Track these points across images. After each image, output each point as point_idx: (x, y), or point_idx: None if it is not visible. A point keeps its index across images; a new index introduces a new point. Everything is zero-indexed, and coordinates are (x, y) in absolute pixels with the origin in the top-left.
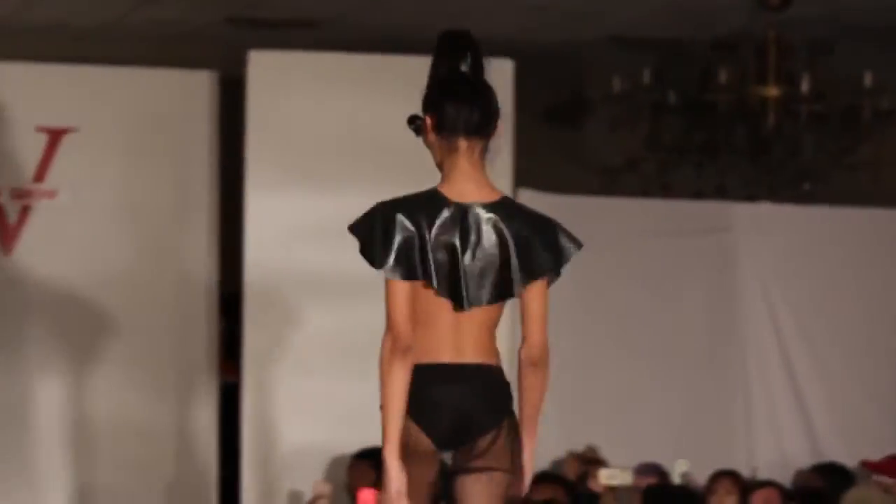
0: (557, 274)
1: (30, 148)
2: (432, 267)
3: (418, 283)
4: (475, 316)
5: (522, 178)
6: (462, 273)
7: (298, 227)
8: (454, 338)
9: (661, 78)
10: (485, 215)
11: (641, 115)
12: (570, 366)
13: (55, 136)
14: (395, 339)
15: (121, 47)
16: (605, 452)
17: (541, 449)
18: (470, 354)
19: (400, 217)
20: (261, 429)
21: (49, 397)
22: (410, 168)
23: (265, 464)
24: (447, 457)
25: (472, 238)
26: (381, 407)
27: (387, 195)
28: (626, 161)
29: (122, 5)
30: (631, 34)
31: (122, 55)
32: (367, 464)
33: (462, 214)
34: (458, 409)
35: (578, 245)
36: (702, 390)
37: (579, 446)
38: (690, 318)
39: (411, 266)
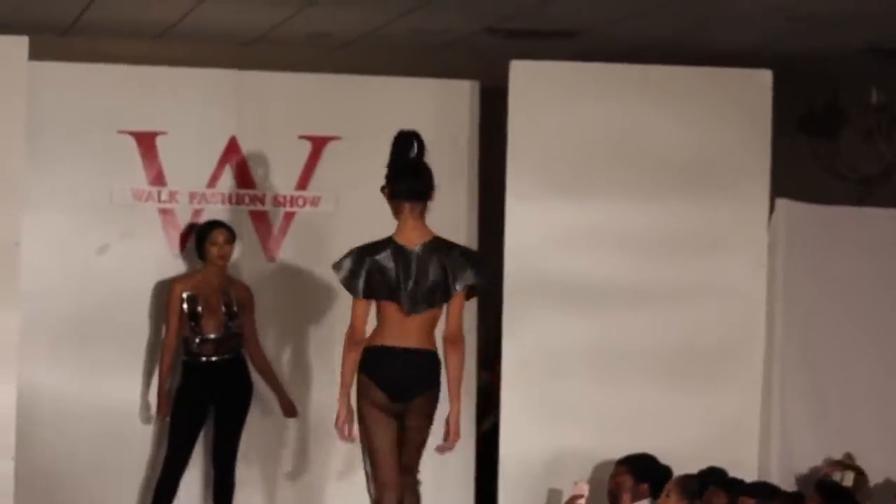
0: (475, 288)
1: (293, 156)
2: (386, 288)
3: (381, 301)
4: (417, 318)
5: (779, 187)
6: (404, 291)
7: (557, 235)
8: (403, 331)
9: None
10: (421, 252)
11: None
12: (827, 373)
13: (318, 145)
14: (352, 334)
15: (383, 57)
16: (861, 461)
17: (798, 456)
18: (414, 342)
19: (363, 257)
20: (519, 431)
21: (316, 399)
22: (668, 175)
23: (523, 466)
24: (398, 407)
25: (413, 267)
26: (341, 374)
27: (644, 203)
28: (881, 171)
29: (385, 15)
30: (889, 45)
31: (385, 64)
32: (625, 469)
33: (405, 252)
34: (403, 374)
35: (487, 269)
36: None
37: (836, 454)
38: None
39: (370, 289)
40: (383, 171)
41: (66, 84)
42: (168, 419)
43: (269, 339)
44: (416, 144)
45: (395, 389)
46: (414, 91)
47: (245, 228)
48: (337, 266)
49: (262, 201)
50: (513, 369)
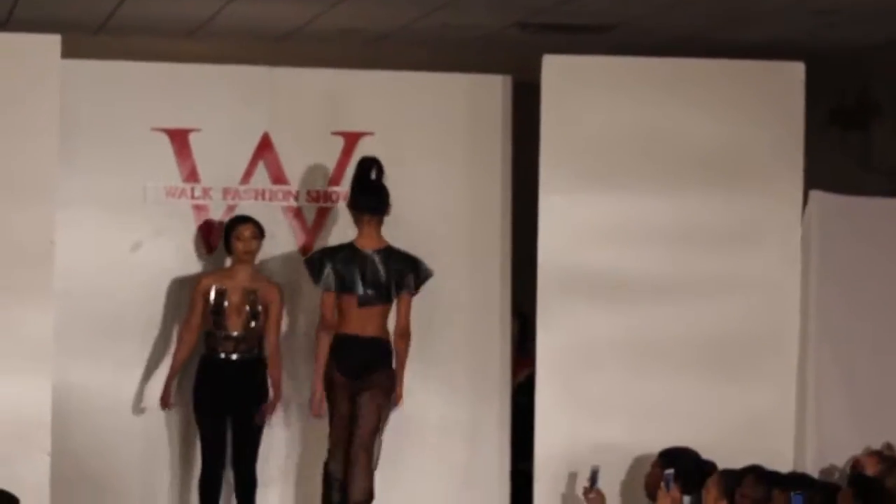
0: (416, 290)
1: (326, 152)
2: (344, 283)
3: (341, 293)
4: (372, 310)
5: (812, 179)
6: (359, 286)
7: (591, 229)
8: (360, 321)
9: None
10: (375, 256)
11: None
12: (862, 364)
13: (351, 140)
14: (323, 321)
15: (415, 52)
16: None
17: (833, 447)
18: (370, 331)
19: (327, 256)
20: (554, 424)
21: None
22: (702, 168)
23: (558, 458)
24: (354, 383)
25: (367, 267)
26: (315, 357)
27: (677, 196)
28: None
29: (417, 11)
30: None
31: (417, 60)
32: (660, 463)
33: (361, 255)
34: (359, 358)
35: (431, 274)
36: None
37: (873, 445)
38: None
39: (333, 284)
40: (416, 165)
41: (99, 82)
42: (167, 410)
43: (302, 334)
44: (375, 169)
45: (350, 369)
46: (446, 86)
47: (278, 224)
48: (308, 262)
49: (296, 197)
50: (547, 362)
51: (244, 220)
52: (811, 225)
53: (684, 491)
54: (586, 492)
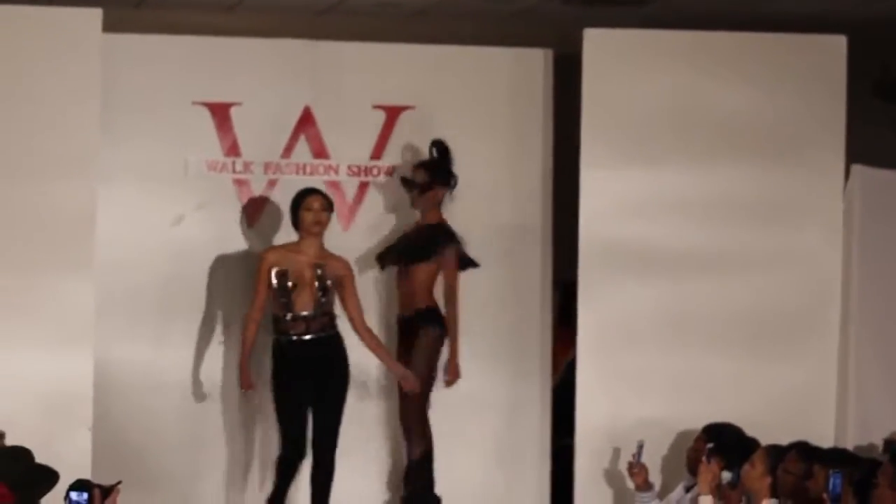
0: None
1: (368, 125)
2: None
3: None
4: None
5: (854, 153)
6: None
7: (632, 202)
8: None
9: None
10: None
11: None
12: (880, 347)
13: (392, 114)
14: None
15: (455, 26)
16: None
17: (875, 424)
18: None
19: None
20: (595, 399)
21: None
22: (743, 142)
23: (599, 433)
24: None
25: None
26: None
27: (718, 171)
28: None
29: None
30: None
31: (458, 33)
32: (704, 438)
33: None
34: None
35: None
36: None
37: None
38: None
39: None
40: (458, 139)
41: (140, 56)
42: (247, 392)
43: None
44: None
45: None
46: (487, 60)
47: None
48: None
49: (337, 171)
50: (589, 337)
51: (313, 191)
52: (853, 200)
53: (725, 466)
54: (631, 466)
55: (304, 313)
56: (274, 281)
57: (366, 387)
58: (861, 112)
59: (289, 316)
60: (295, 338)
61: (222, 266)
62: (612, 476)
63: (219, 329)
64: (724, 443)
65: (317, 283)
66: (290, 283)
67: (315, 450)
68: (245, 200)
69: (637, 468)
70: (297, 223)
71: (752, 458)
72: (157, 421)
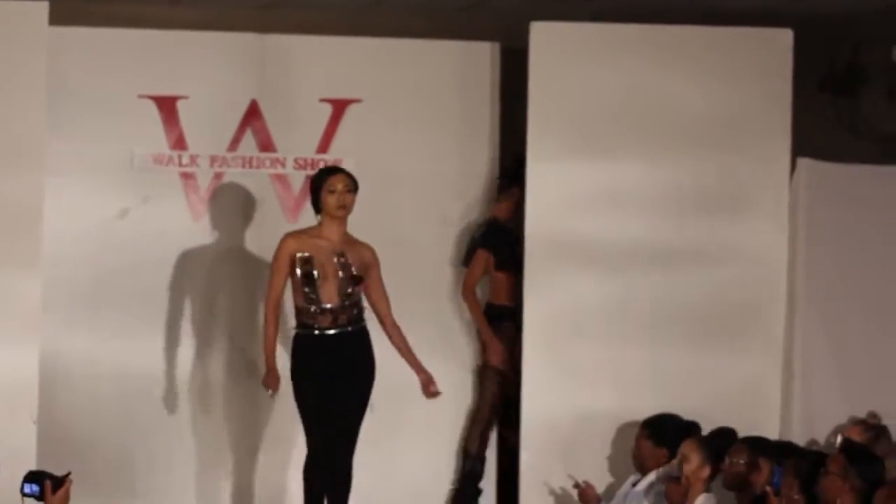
0: None
1: (314, 119)
2: None
3: None
4: None
5: (800, 147)
6: None
7: (579, 195)
8: None
9: None
10: None
11: None
12: (850, 333)
13: (339, 107)
14: None
15: (403, 19)
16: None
17: (820, 416)
18: None
19: None
20: (541, 393)
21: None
22: (689, 135)
23: (546, 428)
24: None
25: None
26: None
27: (665, 163)
28: None
29: None
30: None
31: (405, 27)
32: (646, 434)
33: None
34: None
35: None
36: None
37: (859, 413)
38: None
39: None
40: (404, 132)
41: (87, 49)
42: (273, 395)
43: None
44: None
45: None
46: (434, 53)
47: (266, 192)
48: None
49: (283, 164)
50: (535, 331)
51: (335, 170)
52: (799, 193)
53: (671, 456)
54: (578, 487)
55: (330, 305)
56: (297, 269)
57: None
58: (807, 105)
59: (313, 308)
60: (317, 332)
61: (168, 259)
62: (557, 470)
63: (165, 334)
64: (665, 434)
65: (341, 273)
66: (315, 272)
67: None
68: (191, 194)
69: (584, 486)
70: (318, 206)
71: (681, 452)
72: (103, 413)
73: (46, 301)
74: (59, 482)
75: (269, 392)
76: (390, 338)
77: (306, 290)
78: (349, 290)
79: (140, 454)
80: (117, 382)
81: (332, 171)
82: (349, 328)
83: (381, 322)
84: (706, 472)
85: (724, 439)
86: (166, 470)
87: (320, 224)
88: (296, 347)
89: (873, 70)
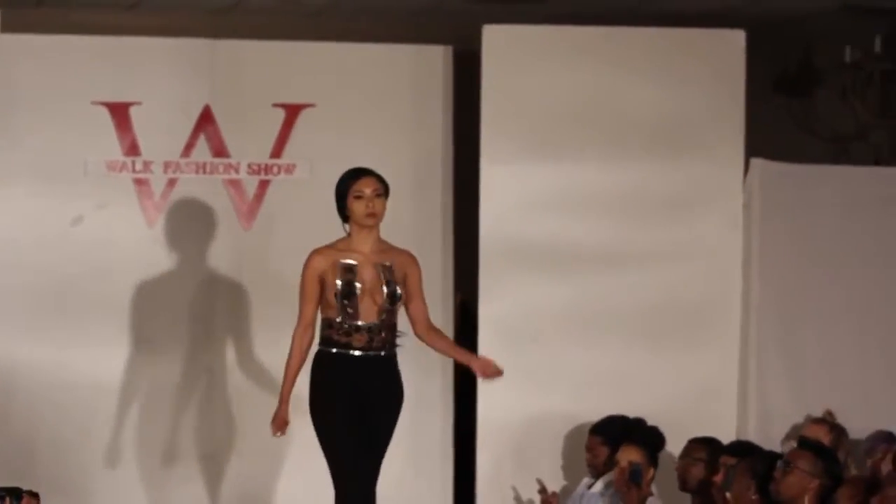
0: None
1: (267, 124)
2: None
3: None
4: None
5: (754, 147)
6: None
7: (532, 198)
8: None
9: (893, 46)
10: None
11: (872, 84)
12: (805, 332)
13: (292, 112)
14: None
15: (356, 23)
16: (841, 419)
17: (776, 415)
18: None
19: None
20: (497, 395)
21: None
22: (643, 137)
23: (501, 430)
24: None
25: None
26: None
27: (619, 166)
28: (857, 129)
29: None
30: (864, 3)
31: (358, 31)
32: (599, 440)
33: None
34: None
35: None
36: None
37: (815, 412)
38: None
39: None
40: (358, 136)
41: (39, 55)
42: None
43: (245, 313)
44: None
45: None
46: (387, 57)
47: (219, 197)
48: None
49: (237, 170)
50: (490, 333)
51: (362, 172)
52: (753, 192)
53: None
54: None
55: (364, 323)
56: (338, 280)
57: None
58: (761, 106)
59: (348, 325)
60: (349, 352)
61: (122, 266)
62: (513, 472)
63: (120, 327)
64: (616, 435)
65: (385, 289)
66: (358, 284)
67: None
68: (145, 200)
69: (549, 496)
70: (344, 214)
71: (617, 458)
72: (59, 422)
73: None
74: (19, 497)
75: (277, 434)
76: (430, 342)
77: (345, 302)
78: (389, 307)
79: (94, 463)
80: (71, 391)
81: (359, 172)
82: (383, 352)
83: (415, 325)
84: (650, 474)
85: (658, 439)
86: (120, 478)
87: (349, 235)
88: (323, 367)
89: (827, 70)
